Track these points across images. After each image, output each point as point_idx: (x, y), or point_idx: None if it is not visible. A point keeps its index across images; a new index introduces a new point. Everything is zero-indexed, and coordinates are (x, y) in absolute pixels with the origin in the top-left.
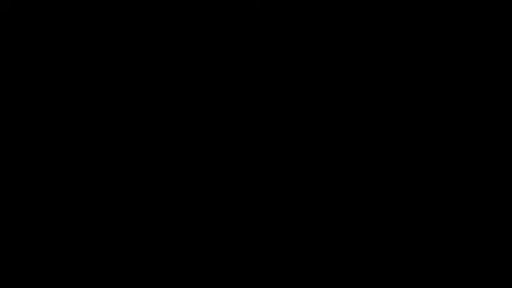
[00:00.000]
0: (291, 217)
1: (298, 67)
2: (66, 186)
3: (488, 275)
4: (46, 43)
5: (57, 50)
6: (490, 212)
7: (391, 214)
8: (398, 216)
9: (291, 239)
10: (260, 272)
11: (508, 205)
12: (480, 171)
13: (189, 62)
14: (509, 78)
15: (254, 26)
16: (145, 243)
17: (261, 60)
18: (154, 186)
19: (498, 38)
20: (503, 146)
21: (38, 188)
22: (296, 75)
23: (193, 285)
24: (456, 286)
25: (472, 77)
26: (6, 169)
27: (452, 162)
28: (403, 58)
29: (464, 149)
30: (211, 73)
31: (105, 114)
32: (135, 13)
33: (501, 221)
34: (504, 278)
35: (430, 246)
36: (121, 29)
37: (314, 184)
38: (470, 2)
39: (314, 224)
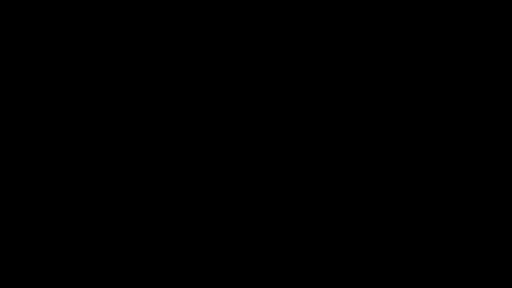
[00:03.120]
0: (291, 217)
1: (298, 67)
2: (66, 186)
3: (488, 275)
4: (46, 43)
5: (57, 50)
6: (490, 212)
7: (391, 214)
8: (398, 216)
9: (291, 239)
10: (260, 272)
11: (508, 205)
12: (480, 171)
13: (189, 62)
14: (509, 78)
15: (254, 26)
16: (145, 243)
17: (261, 60)
18: (154, 186)
19: (498, 38)
20: (503, 146)
21: (38, 188)
22: (296, 75)
23: (194, 285)
24: (456, 286)
25: (472, 77)
26: (6, 169)
27: (452, 162)
28: (403, 58)
29: (464, 149)
30: (211, 73)
31: (105, 114)
32: (135, 13)
33: (501, 221)
34: (504, 278)
35: (430, 246)
36: (121, 29)
37: (314, 184)
38: (470, 2)
39: (314, 224)
